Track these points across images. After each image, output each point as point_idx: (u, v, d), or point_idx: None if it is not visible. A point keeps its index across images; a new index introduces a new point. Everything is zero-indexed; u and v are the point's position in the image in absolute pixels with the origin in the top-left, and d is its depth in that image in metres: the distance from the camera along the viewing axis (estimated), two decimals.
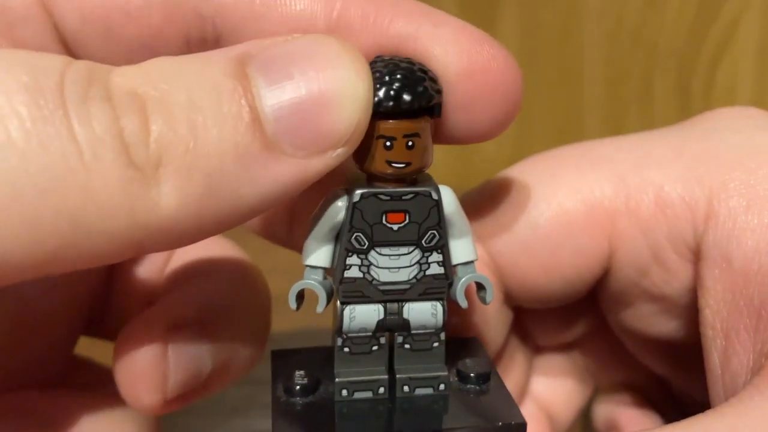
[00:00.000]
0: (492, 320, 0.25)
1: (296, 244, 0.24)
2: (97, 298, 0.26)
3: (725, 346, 0.21)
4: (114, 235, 0.16)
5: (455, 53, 0.19)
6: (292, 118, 0.16)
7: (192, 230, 0.16)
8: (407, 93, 0.19)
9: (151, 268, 0.26)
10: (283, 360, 0.22)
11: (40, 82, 0.15)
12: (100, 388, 0.25)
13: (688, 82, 0.59)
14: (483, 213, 0.24)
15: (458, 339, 0.24)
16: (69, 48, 0.20)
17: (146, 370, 0.21)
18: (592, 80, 0.60)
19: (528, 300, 0.26)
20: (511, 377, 0.28)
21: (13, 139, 0.14)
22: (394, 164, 0.20)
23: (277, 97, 0.16)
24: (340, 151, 0.17)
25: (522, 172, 0.25)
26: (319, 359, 0.22)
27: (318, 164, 0.17)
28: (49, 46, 0.20)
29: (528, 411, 0.29)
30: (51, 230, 0.15)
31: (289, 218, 0.25)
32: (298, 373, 0.21)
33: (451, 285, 0.21)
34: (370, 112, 0.18)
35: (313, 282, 0.21)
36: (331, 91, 0.17)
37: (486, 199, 0.24)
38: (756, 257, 0.21)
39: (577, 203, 0.23)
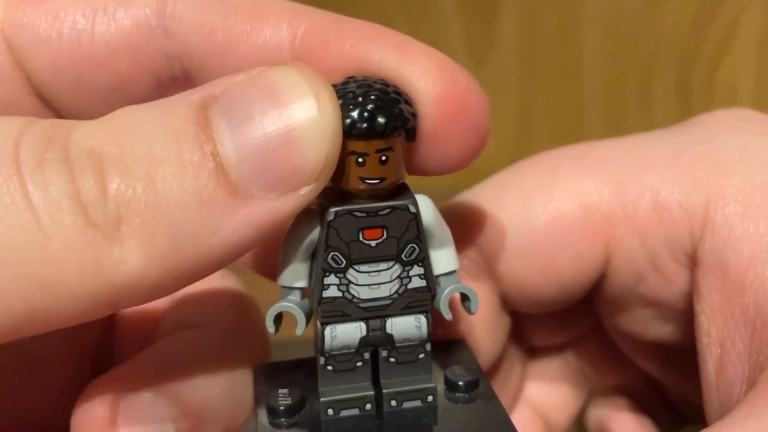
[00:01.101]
0: (491, 327, 0.25)
1: None
2: (100, 342, 0.25)
3: (720, 355, 0.21)
4: (82, 297, 0.15)
5: (430, 78, 0.18)
6: (257, 159, 0.16)
7: (162, 284, 0.16)
8: (381, 116, 0.18)
9: (152, 307, 0.25)
10: (266, 376, 0.22)
11: None
12: None
13: (688, 82, 0.59)
14: (478, 216, 0.24)
15: (443, 341, 0.23)
16: (43, 98, 0.20)
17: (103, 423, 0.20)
18: (592, 80, 0.60)
19: (525, 304, 0.25)
20: (509, 383, 0.28)
21: None
22: (367, 180, 0.19)
23: (240, 139, 0.16)
24: (311, 187, 0.17)
25: (518, 174, 0.25)
26: (302, 374, 0.21)
27: (289, 203, 0.17)
28: (24, 98, 0.20)
29: (524, 416, 0.28)
30: (17, 297, 0.15)
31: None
32: (282, 391, 0.21)
33: (434, 297, 0.21)
34: (339, 141, 0.17)
35: (290, 304, 0.20)
36: (295, 128, 0.16)
37: (481, 202, 0.24)
38: (751, 267, 0.21)
39: (574, 207, 0.23)
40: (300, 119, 0.16)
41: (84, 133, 0.16)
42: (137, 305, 0.17)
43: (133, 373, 0.20)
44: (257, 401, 0.21)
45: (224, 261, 0.17)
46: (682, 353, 0.24)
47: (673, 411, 0.29)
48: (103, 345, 0.26)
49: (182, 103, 0.16)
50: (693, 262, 0.22)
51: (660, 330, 0.25)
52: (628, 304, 0.25)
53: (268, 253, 0.24)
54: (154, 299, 0.17)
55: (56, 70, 0.20)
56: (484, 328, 0.24)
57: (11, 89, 0.20)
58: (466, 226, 0.23)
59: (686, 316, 0.23)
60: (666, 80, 0.59)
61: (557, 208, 0.23)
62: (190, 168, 0.16)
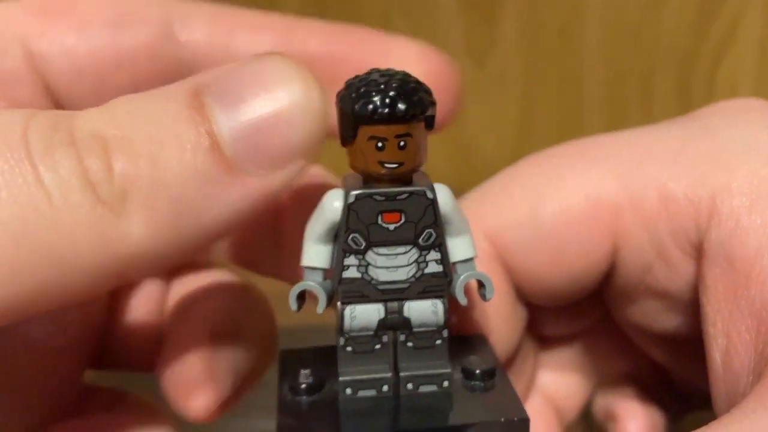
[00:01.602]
0: (509, 318, 0.25)
1: (285, 273, 0.25)
2: (101, 334, 0.26)
3: (726, 345, 0.21)
4: (91, 269, 0.16)
5: (417, 55, 0.21)
6: (249, 138, 0.17)
7: (166, 255, 0.17)
8: (402, 102, 0.19)
9: (149, 301, 0.26)
10: (291, 359, 0.23)
11: (5, 138, 0.16)
12: (114, 409, 0.26)
13: (689, 82, 0.59)
14: (489, 210, 0.24)
15: (464, 336, 0.24)
16: (60, 104, 0.21)
17: (198, 376, 0.22)
18: (592, 80, 0.60)
19: (537, 297, 0.26)
20: (523, 373, 0.28)
21: None
22: (386, 164, 0.20)
23: (233, 120, 0.17)
24: (299, 164, 0.18)
25: (525, 170, 0.25)
26: (325, 358, 0.22)
27: (279, 179, 0.18)
28: (39, 100, 0.21)
29: (536, 404, 0.29)
30: (29, 271, 0.16)
31: (275, 244, 0.25)
32: (304, 372, 0.22)
33: (450, 282, 0.21)
34: (324, 121, 0.18)
35: (312, 283, 0.21)
36: (283, 108, 0.17)
37: (491, 197, 0.25)
38: (758, 259, 0.21)
39: (580, 200, 0.23)
40: (286, 100, 0.17)
41: (86, 119, 0.17)
42: (143, 276, 0.19)
43: (210, 319, 0.23)
44: (281, 381, 0.22)
45: (221, 232, 0.18)
46: (691, 343, 0.25)
47: (680, 399, 0.29)
48: (102, 340, 0.26)
49: (178, 90, 0.18)
50: (699, 253, 0.22)
51: (668, 320, 0.25)
52: (636, 295, 0.25)
53: (246, 244, 0.25)
54: (158, 269, 0.19)
55: (81, 71, 0.21)
56: (501, 320, 0.25)
57: (26, 92, 0.21)
58: (477, 222, 0.24)
59: (694, 306, 0.23)
60: (666, 80, 0.59)
61: (564, 201, 0.24)
62: (188, 146, 0.17)
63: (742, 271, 0.21)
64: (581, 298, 0.26)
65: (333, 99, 0.19)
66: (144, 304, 0.26)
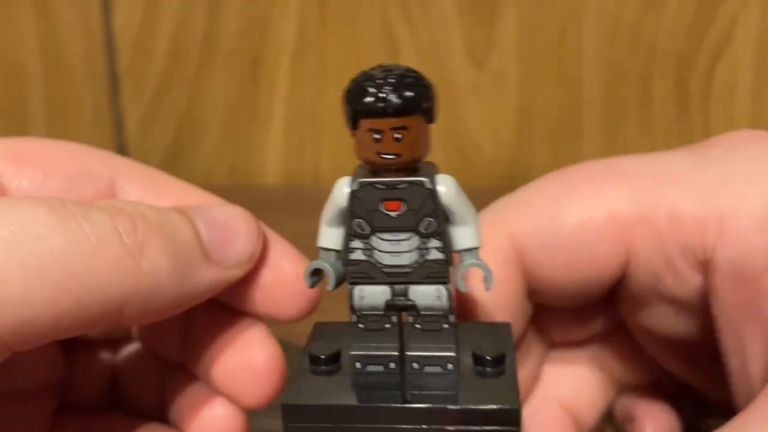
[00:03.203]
0: (514, 311, 0.27)
1: (188, 364, 0.28)
2: (63, 380, 0.29)
3: (741, 352, 0.23)
4: (110, 295, 0.21)
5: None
6: (215, 241, 0.24)
7: (166, 297, 0.23)
8: (396, 96, 0.20)
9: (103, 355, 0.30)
10: (319, 331, 0.25)
11: (54, 207, 0.21)
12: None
13: (687, 82, 0.59)
14: (514, 215, 0.27)
15: (490, 323, 0.25)
16: None
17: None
18: (591, 81, 0.60)
19: (550, 298, 0.27)
20: (524, 367, 0.30)
21: (44, 235, 0.21)
22: (383, 155, 0.21)
23: (206, 231, 0.24)
24: (244, 267, 0.25)
25: (550, 182, 0.27)
26: (348, 333, 0.23)
27: (231, 273, 0.25)
28: None
29: (554, 413, 0.30)
30: (66, 290, 0.20)
31: (183, 335, 0.28)
32: (325, 343, 0.24)
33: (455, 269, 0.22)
34: (261, 243, 0.26)
35: (322, 262, 0.22)
36: (232, 228, 0.25)
37: (516, 204, 0.27)
38: (765, 273, 0.23)
39: (597, 213, 0.25)
40: (234, 226, 0.25)
41: (104, 203, 0.23)
42: (141, 316, 0.23)
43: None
44: (304, 349, 0.24)
45: (199, 293, 0.24)
46: (701, 349, 0.26)
47: (699, 406, 0.31)
48: (65, 383, 0.29)
49: (168, 208, 0.25)
50: (705, 268, 0.24)
51: (680, 326, 0.26)
52: (647, 300, 0.26)
53: (167, 332, 0.28)
54: (155, 316, 0.23)
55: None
56: (510, 311, 0.27)
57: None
58: (501, 225, 0.26)
59: (701, 311, 0.25)
60: (665, 81, 0.60)
61: (583, 213, 0.26)
62: (185, 231, 0.24)
63: (751, 284, 0.23)
64: (593, 301, 0.28)
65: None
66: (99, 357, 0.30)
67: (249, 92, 0.63)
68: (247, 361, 0.26)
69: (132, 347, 0.30)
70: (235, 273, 0.25)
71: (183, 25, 0.62)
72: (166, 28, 0.62)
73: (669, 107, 0.60)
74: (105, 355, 0.29)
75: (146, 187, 0.27)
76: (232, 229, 0.25)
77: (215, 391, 0.27)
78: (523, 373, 0.29)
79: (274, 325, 0.27)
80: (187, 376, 0.28)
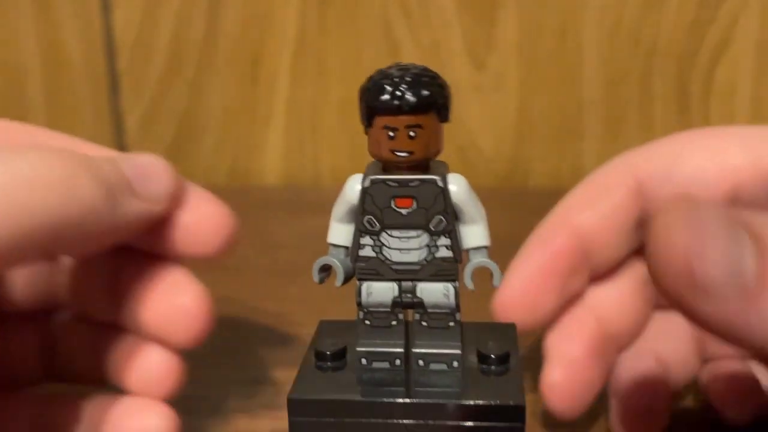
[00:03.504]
0: (620, 231, 0.29)
1: (119, 320, 0.27)
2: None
3: None
4: (51, 220, 0.23)
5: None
6: (138, 179, 0.27)
7: (101, 223, 0.25)
8: (411, 95, 0.20)
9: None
10: (324, 328, 0.25)
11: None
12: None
13: (688, 82, 0.59)
14: (640, 156, 0.30)
15: (494, 323, 0.25)
16: None
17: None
18: (591, 81, 0.60)
19: None
20: (630, 313, 0.31)
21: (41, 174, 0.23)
22: (397, 153, 0.21)
23: (129, 170, 0.27)
24: (165, 203, 0.27)
25: (664, 141, 0.31)
26: (353, 331, 0.24)
27: (155, 208, 0.27)
28: None
29: (647, 364, 0.31)
30: (10, 215, 0.22)
31: (110, 292, 0.28)
32: (330, 340, 0.24)
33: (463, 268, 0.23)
34: (179, 183, 0.28)
35: (331, 258, 0.23)
36: (151, 169, 0.28)
37: (645, 149, 0.31)
38: None
39: (705, 160, 0.29)
40: (150, 168, 0.28)
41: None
42: (83, 243, 0.25)
43: None
44: (310, 346, 0.24)
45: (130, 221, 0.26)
46: None
47: None
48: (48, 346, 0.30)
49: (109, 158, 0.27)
50: None
51: None
52: None
53: (95, 291, 0.28)
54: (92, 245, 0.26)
55: None
56: (615, 228, 0.29)
57: None
58: (628, 163, 0.30)
59: None
60: (665, 81, 0.60)
61: (700, 158, 0.29)
62: (115, 172, 0.26)
63: None
64: None
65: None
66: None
67: (249, 92, 0.63)
68: (174, 303, 0.26)
69: (62, 316, 0.30)
70: (158, 208, 0.27)
71: (183, 25, 0.62)
72: (166, 28, 0.62)
73: (669, 107, 0.60)
74: (35, 328, 0.30)
75: (68, 145, 0.29)
76: (151, 170, 0.27)
77: (148, 339, 0.27)
78: (629, 318, 0.30)
79: (282, 320, 0.27)
80: (119, 334, 0.28)
